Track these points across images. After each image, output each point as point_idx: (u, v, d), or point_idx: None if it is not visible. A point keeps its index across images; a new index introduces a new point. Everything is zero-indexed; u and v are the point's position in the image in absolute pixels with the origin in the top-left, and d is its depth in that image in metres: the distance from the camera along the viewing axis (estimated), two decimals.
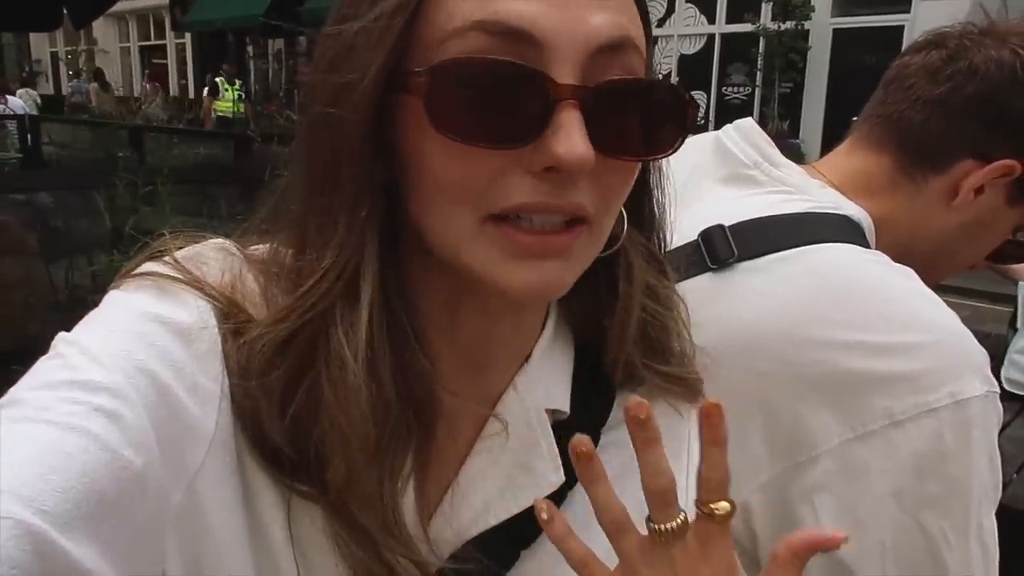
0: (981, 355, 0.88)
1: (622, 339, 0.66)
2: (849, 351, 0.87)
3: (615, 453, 0.66)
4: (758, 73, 13.53)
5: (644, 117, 0.55)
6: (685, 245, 0.97)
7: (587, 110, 0.51)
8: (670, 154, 0.57)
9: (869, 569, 0.86)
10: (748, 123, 1.09)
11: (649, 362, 0.68)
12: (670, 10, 14.92)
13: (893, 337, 0.87)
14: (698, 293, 0.95)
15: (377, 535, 0.55)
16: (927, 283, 0.95)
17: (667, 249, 0.70)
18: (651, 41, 0.59)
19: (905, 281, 0.93)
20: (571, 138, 0.50)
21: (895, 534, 0.86)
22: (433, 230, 0.55)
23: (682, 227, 1.00)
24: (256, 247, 0.62)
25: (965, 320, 0.93)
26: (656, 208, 0.67)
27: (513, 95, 0.50)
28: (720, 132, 1.10)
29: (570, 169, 0.50)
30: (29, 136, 8.60)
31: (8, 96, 11.94)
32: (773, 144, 1.07)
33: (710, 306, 0.93)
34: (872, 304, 0.90)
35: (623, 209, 0.61)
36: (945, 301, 0.92)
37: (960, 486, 0.85)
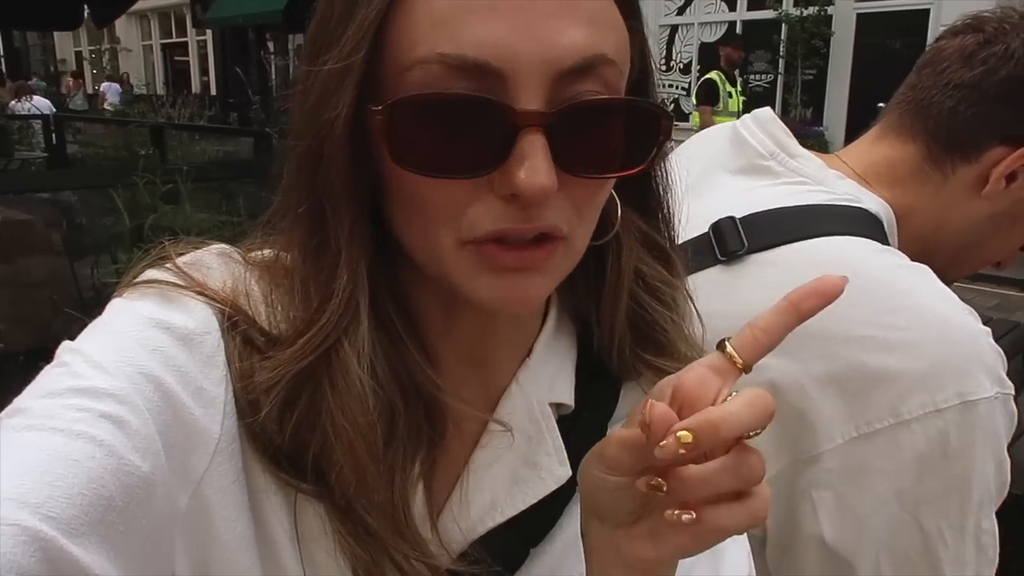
0: (994, 355, 0.86)
1: (612, 325, 0.65)
2: (857, 346, 0.85)
3: None
4: (780, 60, 13.39)
5: (614, 135, 0.54)
6: (696, 237, 0.96)
7: (552, 134, 0.50)
8: (642, 169, 0.56)
9: (865, 562, 0.86)
10: (767, 113, 1.07)
11: (640, 352, 0.67)
12: None
13: (902, 334, 0.85)
14: (707, 285, 0.93)
15: (386, 537, 0.55)
16: (951, 278, 0.93)
17: (677, 239, 0.68)
18: (639, 32, 0.58)
19: (918, 277, 0.91)
20: (532, 167, 0.49)
21: (892, 530, 0.85)
22: (414, 248, 0.56)
23: (695, 219, 0.99)
24: (257, 252, 0.62)
25: (994, 309, 0.90)
26: (659, 192, 0.66)
27: (472, 126, 0.50)
28: (737, 122, 1.09)
29: (530, 198, 0.50)
30: (54, 135, 8.73)
31: (34, 95, 12.16)
32: (791, 134, 1.05)
33: (718, 298, 0.92)
34: (882, 299, 0.88)
35: (615, 196, 0.61)
36: (974, 289, 0.90)
37: (960, 486, 0.84)
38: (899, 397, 0.83)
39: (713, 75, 8.77)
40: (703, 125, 8.75)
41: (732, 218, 0.96)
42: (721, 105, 8.52)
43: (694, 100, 8.92)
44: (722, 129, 1.12)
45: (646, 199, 0.65)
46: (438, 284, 0.58)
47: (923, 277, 0.91)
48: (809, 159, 1.03)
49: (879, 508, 0.84)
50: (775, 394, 0.87)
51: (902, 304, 0.88)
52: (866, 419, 0.84)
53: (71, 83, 20.39)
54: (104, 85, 20.68)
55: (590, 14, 0.51)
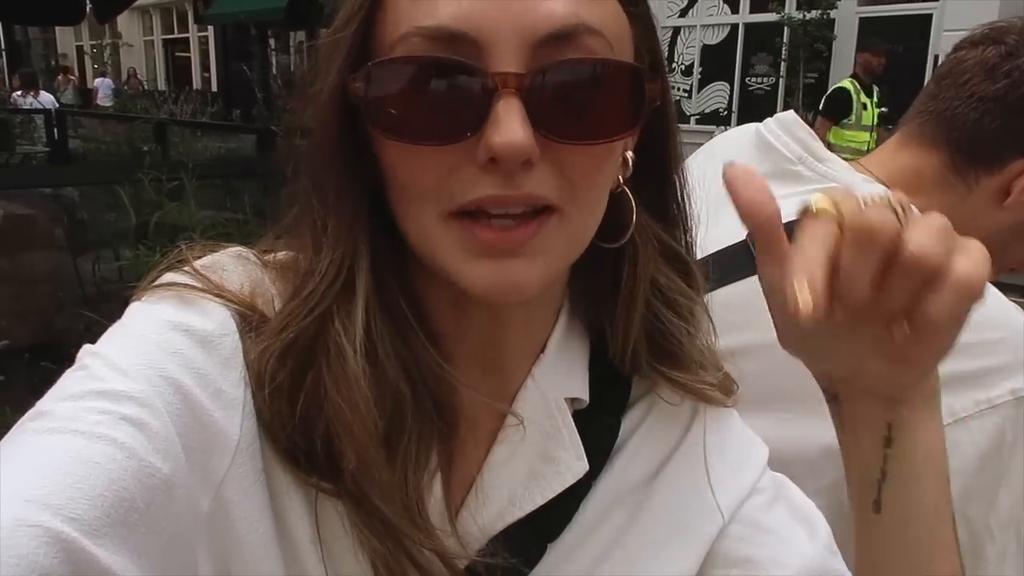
0: None
1: (626, 334, 0.65)
2: None
3: (633, 433, 0.68)
4: (782, 63, 13.38)
5: (594, 98, 0.54)
6: (733, 245, 0.96)
7: (529, 97, 0.50)
8: (629, 135, 0.56)
9: None
10: (790, 116, 1.07)
11: (656, 363, 0.66)
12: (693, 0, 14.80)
13: None
14: (748, 295, 0.92)
15: (400, 526, 0.55)
16: None
17: (694, 248, 0.68)
18: (641, 20, 0.58)
19: None
20: (506, 126, 0.49)
21: None
22: (406, 229, 0.56)
23: (727, 225, 0.98)
24: (273, 253, 0.62)
25: None
26: (679, 198, 0.66)
27: (448, 90, 0.51)
28: (760, 125, 1.09)
29: (506, 157, 0.50)
30: (56, 130, 8.71)
31: (42, 91, 12.14)
32: (816, 137, 1.05)
33: (760, 309, 0.91)
34: None
35: (631, 196, 0.61)
36: None
37: (1010, 481, 0.84)
38: (953, 397, 0.83)
39: (846, 83, 7.51)
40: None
41: None
42: (854, 118, 7.31)
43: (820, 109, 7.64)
44: (743, 132, 1.11)
45: (665, 205, 0.65)
46: (445, 282, 0.58)
47: None
48: (836, 163, 1.03)
49: None
50: (822, 405, 0.87)
51: None
52: None
53: (60, 78, 20.65)
54: (97, 80, 21.01)
55: None
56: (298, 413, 0.55)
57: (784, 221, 0.95)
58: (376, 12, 0.53)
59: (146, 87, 21.91)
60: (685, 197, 0.66)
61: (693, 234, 0.67)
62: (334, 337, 0.54)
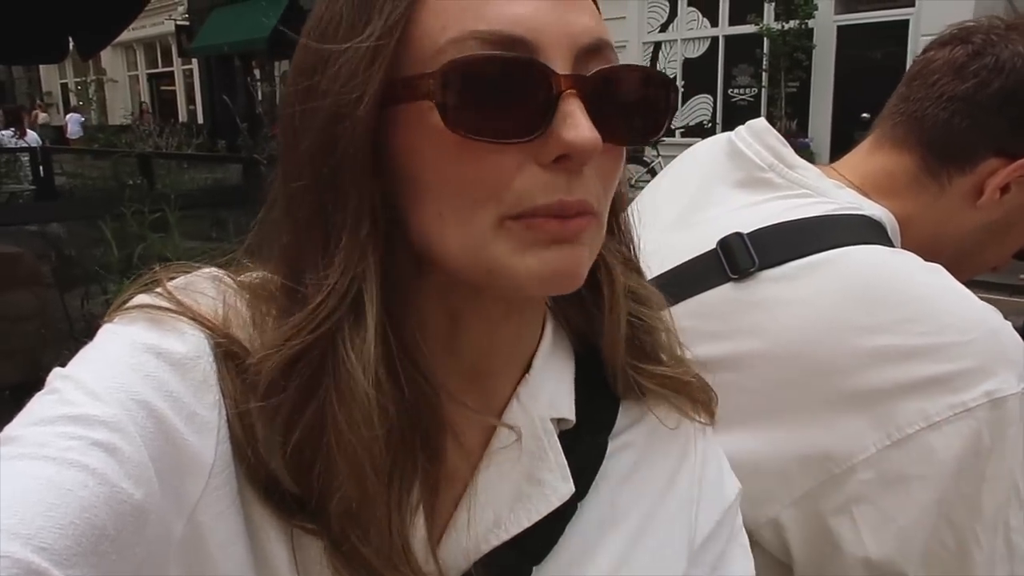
0: (1017, 350, 0.85)
1: (615, 347, 0.66)
2: (882, 358, 0.85)
3: (623, 457, 0.67)
4: (763, 74, 13.50)
5: (635, 102, 0.57)
6: (704, 254, 0.95)
7: (586, 98, 0.53)
8: (660, 136, 0.59)
9: (910, 569, 0.85)
10: (761, 123, 1.07)
11: (640, 364, 0.67)
12: (672, 14, 14.95)
13: (925, 339, 0.85)
14: (720, 304, 0.92)
15: (381, 569, 0.53)
16: None
17: (639, 251, 0.70)
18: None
19: (935, 278, 0.91)
20: (579, 124, 0.51)
21: (928, 535, 0.84)
22: (446, 238, 0.54)
23: (699, 234, 0.98)
24: (248, 275, 0.61)
25: None
26: (629, 214, 0.69)
27: (520, 89, 0.52)
28: (732, 134, 1.08)
29: (581, 153, 0.52)
30: (41, 168, 8.71)
31: (28, 131, 12.20)
32: (787, 144, 1.04)
33: (733, 317, 0.91)
34: (902, 306, 0.87)
35: None
36: None
37: (992, 485, 0.83)
38: (927, 401, 0.83)
39: None
40: None
41: (739, 234, 0.95)
42: None
43: None
44: (716, 141, 1.11)
45: (617, 218, 0.67)
46: (447, 292, 0.57)
47: (939, 277, 0.91)
48: (807, 169, 1.03)
49: (922, 517, 0.83)
50: (801, 410, 0.87)
51: (922, 309, 0.87)
52: (896, 425, 0.83)
53: (26, 117, 21.01)
54: (68, 116, 21.25)
55: (591, 6, 0.56)
56: (292, 441, 0.53)
57: (759, 227, 0.96)
58: (411, 22, 0.53)
59: (128, 121, 22.08)
60: (628, 214, 0.69)
61: (636, 239, 0.70)
62: (344, 365, 0.52)
